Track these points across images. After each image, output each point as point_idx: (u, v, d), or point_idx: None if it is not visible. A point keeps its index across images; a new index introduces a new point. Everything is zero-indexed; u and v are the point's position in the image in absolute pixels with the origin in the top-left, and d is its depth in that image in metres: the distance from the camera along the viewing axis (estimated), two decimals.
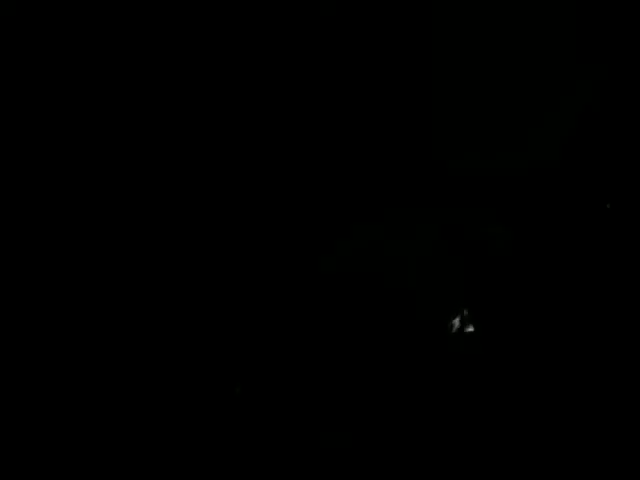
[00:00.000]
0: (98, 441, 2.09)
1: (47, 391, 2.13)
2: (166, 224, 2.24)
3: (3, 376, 2.14)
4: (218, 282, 2.21)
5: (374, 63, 2.27)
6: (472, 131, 2.24)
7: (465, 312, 2.14)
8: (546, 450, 2.03)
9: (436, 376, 2.10)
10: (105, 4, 2.28)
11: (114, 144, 2.27)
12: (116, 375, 2.14)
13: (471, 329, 2.13)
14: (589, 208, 2.12)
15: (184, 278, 2.21)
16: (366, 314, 2.13)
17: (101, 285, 2.20)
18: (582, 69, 2.20)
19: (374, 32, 2.29)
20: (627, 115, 2.16)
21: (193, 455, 2.08)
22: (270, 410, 2.12)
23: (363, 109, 2.26)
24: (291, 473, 2.07)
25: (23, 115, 2.27)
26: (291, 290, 2.18)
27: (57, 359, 2.15)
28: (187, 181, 2.25)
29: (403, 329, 2.13)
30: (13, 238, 2.22)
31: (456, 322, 2.14)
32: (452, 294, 2.16)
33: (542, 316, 2.09)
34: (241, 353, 2.17)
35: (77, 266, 2.21)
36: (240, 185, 2.24)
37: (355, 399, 2.12)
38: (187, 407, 2.12)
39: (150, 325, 2.18)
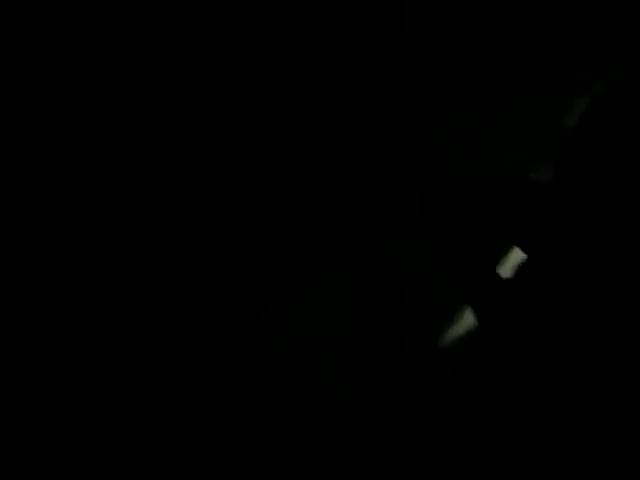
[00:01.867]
0: (98, 441, 2.10)
1: (47, 391, 2.13)
2: (163, 222, 2.25)
3: (3, 376, 2.14)
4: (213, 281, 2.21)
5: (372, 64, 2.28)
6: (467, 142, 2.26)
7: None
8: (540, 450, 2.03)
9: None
10: (104, 4, 2.29)
11: (112, 143, 2.28)
12: (115, 375, 2.15)
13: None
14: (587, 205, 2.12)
15: (182, 277, 2.22)
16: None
17: (99, 285, 2.21)
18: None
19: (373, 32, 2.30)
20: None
21: (193, 454, 2.09)
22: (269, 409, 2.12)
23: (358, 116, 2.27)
24: (289, 472, 2.08)
25: (23, 115, 2.28)
26: None
27: (56, 359, 2.15)
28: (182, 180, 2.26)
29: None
30: (12, 238, 2.22)
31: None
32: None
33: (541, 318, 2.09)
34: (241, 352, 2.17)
35: (75, 266, 2.22)
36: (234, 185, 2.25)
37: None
38: (187, 406, 2.13)
39: (149, 324, 2.19)
